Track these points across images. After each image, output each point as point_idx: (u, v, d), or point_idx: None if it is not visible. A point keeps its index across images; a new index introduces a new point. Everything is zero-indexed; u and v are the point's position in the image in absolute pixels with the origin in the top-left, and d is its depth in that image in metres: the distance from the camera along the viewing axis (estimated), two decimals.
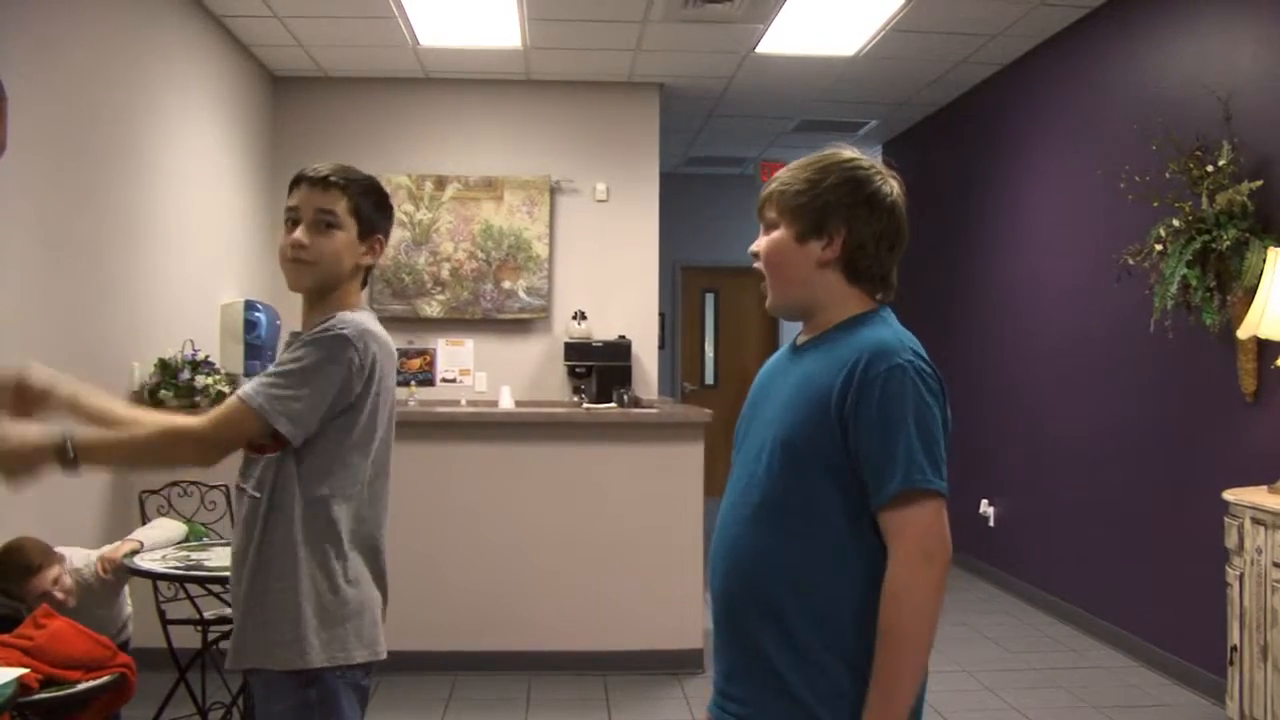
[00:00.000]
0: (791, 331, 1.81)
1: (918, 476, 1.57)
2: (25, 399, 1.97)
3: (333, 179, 2.10)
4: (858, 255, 1.72)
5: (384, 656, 2.10)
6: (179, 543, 3.67)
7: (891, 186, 1.75)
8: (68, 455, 1.88)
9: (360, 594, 2.06)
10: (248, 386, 1.99)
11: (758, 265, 1.79)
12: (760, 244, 1.78)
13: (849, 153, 1.76)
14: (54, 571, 3.24)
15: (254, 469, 2.06)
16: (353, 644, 2.03)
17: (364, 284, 2.20)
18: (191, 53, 5.49)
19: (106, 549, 3.43)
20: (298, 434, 1.97)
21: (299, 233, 2.09)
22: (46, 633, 2.97)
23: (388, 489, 2.16)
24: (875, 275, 1.74)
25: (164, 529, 3.63)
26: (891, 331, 1.69)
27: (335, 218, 2.09)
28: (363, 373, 2.02)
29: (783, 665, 1.63)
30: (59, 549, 3.38)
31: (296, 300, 2.17)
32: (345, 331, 2.01)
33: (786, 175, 1.76)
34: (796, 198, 1.73)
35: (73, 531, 3.91)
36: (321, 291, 2.12)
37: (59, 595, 3.22)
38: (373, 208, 2.14)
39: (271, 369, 2.03)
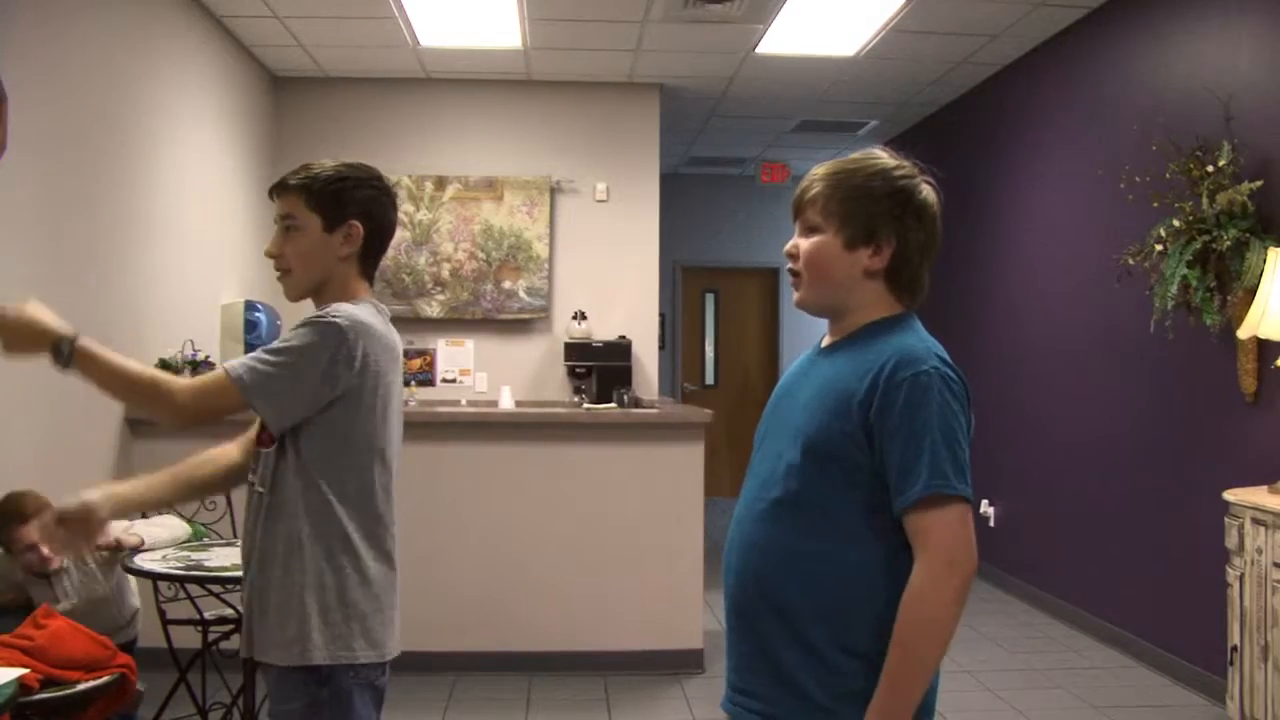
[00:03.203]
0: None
1: (940, 482, 1.58)
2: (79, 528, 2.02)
3: (289, 181, 2.11)
4: (902, 265, 1.73)
5: (393, 656, 2.09)
6: (182, 542, 3.68)
7: (932, 195, 1.76)
8: (63, 353, 1.91)
9: (372, 594, 2.05)
10: (234, 360, 2.00)
11: (793, 266, 1.78)
12: (800, 245, 1.77)
13: (892, 159, 1.76)
14: None
15: (259, 464, 2.07)
16: (358, 644, 2.02)
17: (366, 274, 2.15)
18: (192, 53, 5.49)
19: (118, 536, 3.45)
20: (270, 412, 1.97)
21: (269, 244, 2.12)
22: (46, 633, 2.97)
23: (394, 487, 2.14)
24: (914, 283, 1.76)
25: (168, 528, 3.64)
26: (918, 338, 1.70)
27: (295, 219, 2.09)
28: (351, 363, 2.00)
29: (792, 663, 1.64)
30: None
31: (300, 301, 2.17)
32: (338, 320, 2.00)
33: (831, 179, 1.74)
34: (845, 205, 1.72)
35: None
36: (316, 294, 2.13)
37: (45, 551, 3.28)
38: (334, 196, 2.09)
39: (260, 349, 2.03)
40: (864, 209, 1.71)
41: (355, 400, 2.02)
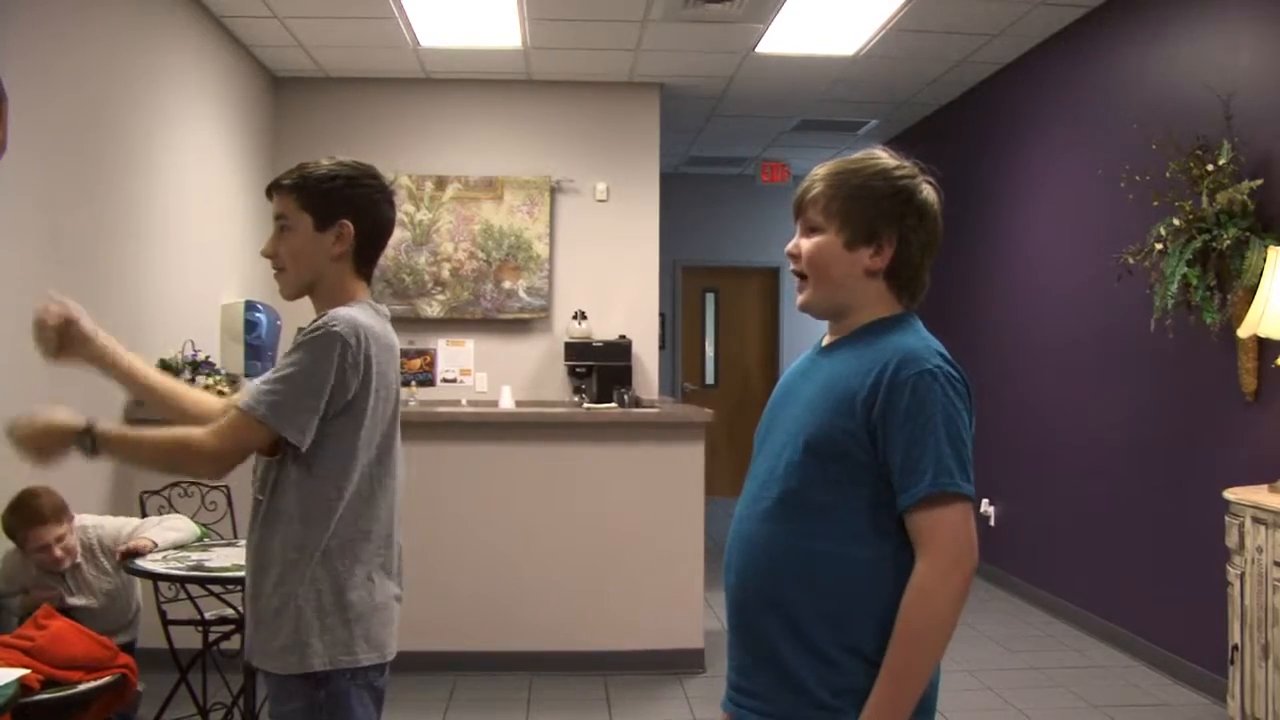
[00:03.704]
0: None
1: (945, 480, 1.58)
2: (68, 337, 2.07)
3: (283, 181, 2.12)
4: (903, 265, 1.74)
5: (393, 657, 2.10)
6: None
7: (933, 194, 1.77)
8: (87, 444, 1.95)
9: (371, 596, 2.05)
10: (247, 396, 1.99)
11: (795, 267, 1.78)
12: (801, 246, 1.77)
13: (893, 158, 1.77)
14: (61, 530, 3.37)
15: (260, 472, 2.07)
16: (359, 647, 2.02)
17: (362, 273, 2.15)
18: (192, 53, 5.49)
19: (131, 543, 3.48)
20: (303, 438, 1.96)
21: (265, 244, 2.13)
22: (47, 634, 2.98)
23: (397, 486, 2.14)
24: (915, 283, 1.77)
25: (178, 530, 3.64)
26: (918, 337, 1.71)
27: (287, 219, 2.10)
28: (357, 369, 2.00)
29: (795, 662, 1.64)
30: (82, 516, 3.53)
31: (296, 300, 2.18)
32: (336, 328, 1.99)
33: (832, 179, 1.75)
34: (847, 204, 1.72)
35: None
36: (311, 292, 2.13)
37: (58, 553, 3.36)
38: (325, 195, 2.09)
39: (269, 375, 2.02)
40: (865, 209, 1.72)
41: (360, 404, 2.02)
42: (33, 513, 3.31)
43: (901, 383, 1.61)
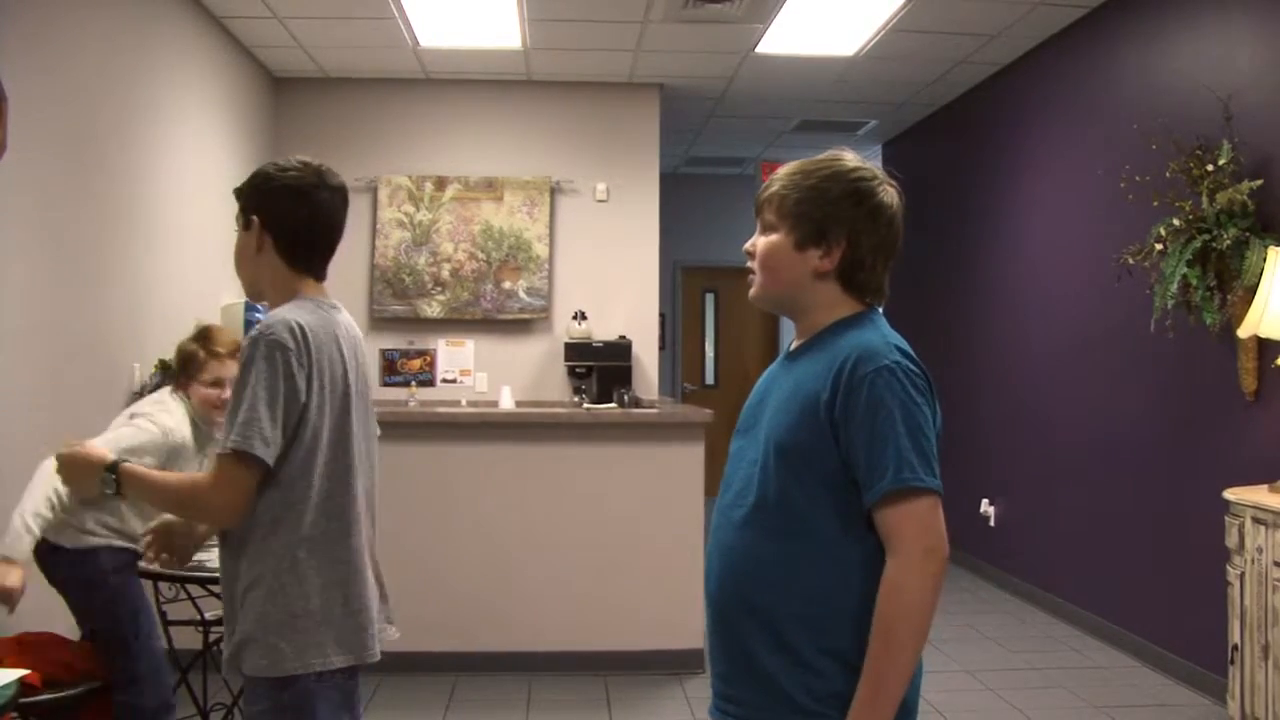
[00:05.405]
0: (792, 332, 1.81)
1: (908, 474, 1.58)
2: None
3: (236, 191, 2.18)
4: (855, 267, 1.73)
5: (375, 659, 2.09)
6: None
7: (892, 197, 1.76)
8: (110, 480, 2.06)
9: (344, 600, 2.04)
10: (219, 444, 1.99)
11: (750, 264, 1.80)
12: (756, 244, 1.79)
13: (853, 160, 1.76)
14: (234, 375, 3.23)
15: None
16: (331, 650, 2.01)
17: (300, 270, 2.13)
18: (192, 54, 5.49)
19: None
20: (270, 451, 1.95)
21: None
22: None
23: (365, 484, 2.14)
24: (869, 285, 1.76)
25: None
26: (878, 333, 1.70)
27: (238, 225, 2.17)
28: (304, 367, 1.99)
29: (775, 667, 1.64)
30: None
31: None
32: (271, 335, 1.98)
33: (788, 179, 1.75)
34: (799, 205, 1.73)
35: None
36: (258, 295, 2.18)
37: (227, 394, 3.00)
38: (242, 195, 2.16)
39: (230, 406, 2.00)
40: (817, 210, 1.72)
41: (308, 404, 2.01)
42: (227, 339, 3.22)
43: (859, 380, 1.61)
